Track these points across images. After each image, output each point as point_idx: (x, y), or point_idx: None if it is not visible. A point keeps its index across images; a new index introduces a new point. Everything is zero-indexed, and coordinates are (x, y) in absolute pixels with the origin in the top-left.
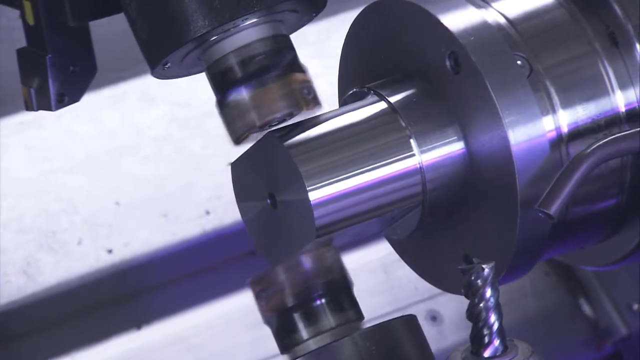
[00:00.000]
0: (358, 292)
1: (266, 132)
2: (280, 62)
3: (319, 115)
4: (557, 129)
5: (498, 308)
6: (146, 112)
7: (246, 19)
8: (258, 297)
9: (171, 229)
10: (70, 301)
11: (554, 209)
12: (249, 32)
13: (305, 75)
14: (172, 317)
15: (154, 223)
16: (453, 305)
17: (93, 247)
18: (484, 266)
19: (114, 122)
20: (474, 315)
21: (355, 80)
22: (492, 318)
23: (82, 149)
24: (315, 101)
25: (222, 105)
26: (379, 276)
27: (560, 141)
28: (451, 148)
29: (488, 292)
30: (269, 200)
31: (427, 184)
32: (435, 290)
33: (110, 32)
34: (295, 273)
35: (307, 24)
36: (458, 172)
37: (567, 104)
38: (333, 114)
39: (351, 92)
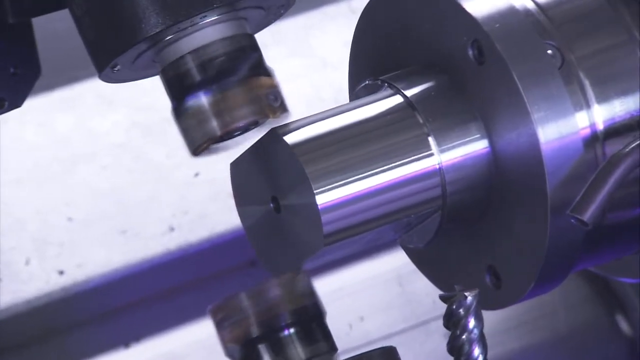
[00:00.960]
0: (369, 306)
1: (264, 132)
2: (244, 65)
3: (327, 110)
4: (592, 125)
5: (482, 340)
6: (103, 117)
7: (205, 16)
8: (219, 326)
9: (131, 247)
10: (17, 328)
11: (588, 214)
12: (209, 31)
13: (272, 79)
14: (130, 348)
15: (111, 241)
16: None
17: (42, 268)
18: (466, 294)
19: (67, 128)
20: (456, 349)
21: (367, 72)
22: (476, 352)
23: (31, 158)
24: (282, 108)
25: (179, 112)
26: (393, 289)
27: (595, 139)
28: (474, 147)
29: (471, 323)
30: (272, 205)
31: (447, 187)
32: None
33: (62, 27)
34: (261, 299)
35: (274, 21)
36: (481, 173)
37: (602, 98)
38: (343, 108)
39: (363, 84)
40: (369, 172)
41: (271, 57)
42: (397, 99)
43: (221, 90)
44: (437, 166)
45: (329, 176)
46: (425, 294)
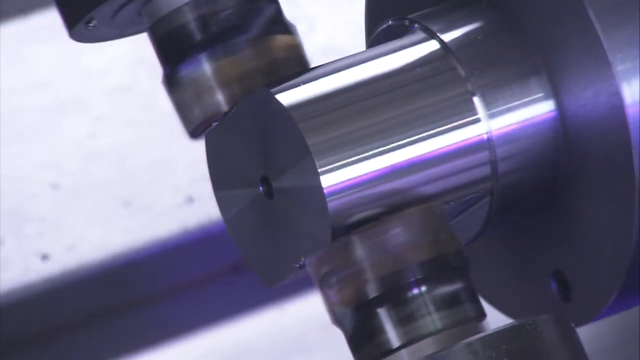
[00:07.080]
0: None
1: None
2: (257, 20)
3: (335, 62)
4: None
5: None
6: (98, 50)
7: None
8: (323, 283)
9: (136, 224)
10: None
11: None
12: None
13: (294, 38)
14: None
15: (110, 216)
16: None
17: (20, 251)
18: None
19: (49, 66)
20: None
21: (390, 9)
22: None
23: (2, 107)
24: None
25: (173, 82)
26: None
27: None
28: (534, 110)
29: None
30: (261, 188)
31: (498, 164)
32: None
33: None
34: (381, 245)
35: None
36: (545, 146)
37: None
38: (357, 59)
39: (385, 25)
40: (392, 145)
41: None
42: (431, 45)
43: (229, 52)
44: (485, 136)
45: (338, 149)
46: None
